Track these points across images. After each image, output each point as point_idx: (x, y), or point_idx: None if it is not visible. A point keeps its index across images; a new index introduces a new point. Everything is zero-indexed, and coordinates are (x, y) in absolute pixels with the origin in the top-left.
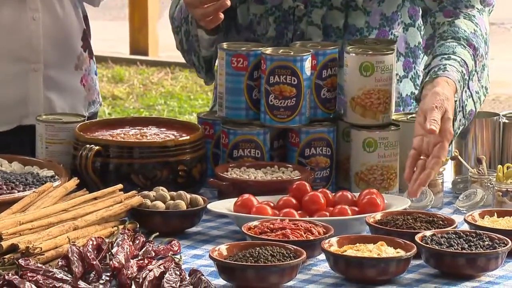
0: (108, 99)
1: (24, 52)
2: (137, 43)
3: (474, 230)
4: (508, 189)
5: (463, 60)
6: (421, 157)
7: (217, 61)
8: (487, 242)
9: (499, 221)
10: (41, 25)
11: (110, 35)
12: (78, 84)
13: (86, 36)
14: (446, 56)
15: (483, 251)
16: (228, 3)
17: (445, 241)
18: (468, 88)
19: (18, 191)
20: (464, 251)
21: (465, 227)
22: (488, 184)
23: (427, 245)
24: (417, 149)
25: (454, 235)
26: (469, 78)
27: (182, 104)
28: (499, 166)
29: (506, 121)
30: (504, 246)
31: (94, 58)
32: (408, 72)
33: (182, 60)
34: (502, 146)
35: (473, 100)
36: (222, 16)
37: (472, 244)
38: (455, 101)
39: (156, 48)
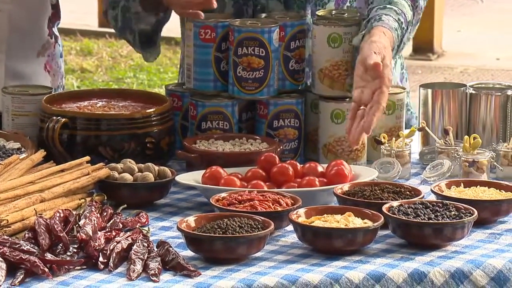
0: (77, 72)
1: None
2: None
3: (440, 201)
4: (475, 160)
5: (400, 10)
6: (361, 107)
7: (184, 33)
8: (453, 212)
9: (466, 191)
10: (7, 16)
11: (78, 7)
12: (42, 71)
13: (54, 20)
14: (381, 6)
15: (449, 221)
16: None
17: (412, 211)
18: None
19: None
20: (430, 221)
21: (432, 197)
22: (455, 154)
23: (394, 216)
24: (357, 101)
25: (420, 206)
26: (407, 28)
27: (152, 77)
28: (466, 136)
29: (473, 92)
30: (470, 216)
31: (59, 41)
32: None
33: None
34: (468, 117)
35: (397, 50)
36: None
37: (438, 214)
38: (392, 49)
39: None
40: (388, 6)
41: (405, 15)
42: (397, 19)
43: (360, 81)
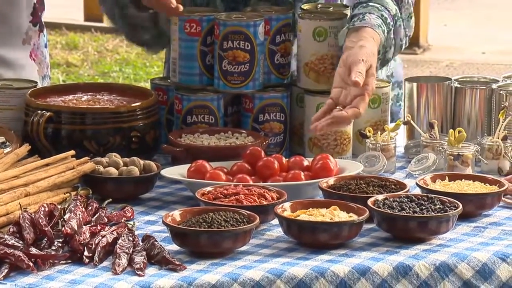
0: (62, 66)
1: None
2: (91, 10)
3: (425, 194)
4: (460, 153)
5: (383, 6)
6: (338, 107)
7: (170, 27)
8: (438, 206)
9: (450, 185)
10: None
11: (64, 1)
12: (28, 59)
13: (36, 10)
14: (364, 4)
15: (434, 215)
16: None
17: (397, 205)
18: (394, 34)
19: None
20: (415, 214)
21: (417, 191)
22: (440, 148)
23: (379, 209)
24: (334, 99)
25: (406, 199)
26: (394, 22)
27: (138, 71)
28: (451, 130)
29: (458, 85)
30: (454, 210)
31: (45, 31)
32: None
33: None
34: (454, 111)
35: (394, 48)
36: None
37: (423, 207)
38: (378, 51)
39: None
40: (370, 4)
41: (388, 10)
42: (380, 16)
43: (340, 81)
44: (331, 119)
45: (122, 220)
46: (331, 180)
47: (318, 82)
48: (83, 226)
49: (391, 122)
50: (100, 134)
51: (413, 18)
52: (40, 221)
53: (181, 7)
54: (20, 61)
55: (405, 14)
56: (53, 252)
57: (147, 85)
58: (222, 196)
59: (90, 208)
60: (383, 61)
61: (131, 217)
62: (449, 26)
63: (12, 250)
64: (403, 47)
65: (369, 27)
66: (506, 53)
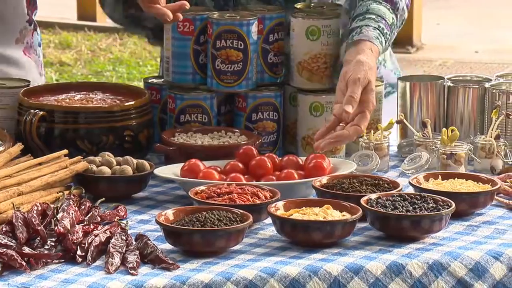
0: (56, 65)
1: None
2: (84, 9)
3: (418, 193)
4: (452, 152)
5: (379, 16)
6: (341, 124)
7: (164, 26)
8: (431, 205)
9: (443, 184)
10: None
11: (57, 0)
12: (23, 56)
13: (31, 9)
14: (361, 17)
15: (427, 214)
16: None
17: (390, 204)
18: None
19: None
20: (408, 213)
21: (410, 190)
22: (433, 147)
23: (372, 208)
24: (338, 116)
25: (399, 198)
26: (391, 31)
27: (131, 71)
28: (444, 129)
29: (451, 84)
30: (447, 208)
31: (38, 30)
32: None
33: None
34: (446, 110)
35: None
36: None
37: (416, 206)
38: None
39: (104, 13)
40: (366, 16)
41: (385, 20)
42: (377, 27)
43: (341, 96)
44: (334, 139)
45: (115, 219)
46: (324, 179)
47: (311, 81)
48: (76, 225)
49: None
50: (93, 133)
51: (404, 23)
52: (33, 220)
53: (180, 17)
54: (17, 59)
55: (399, 21)
56: (46, 252)
57: (141, 84)
58: (215, 195)
59: (83, 207)
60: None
61: (124, 216)
62: (442, 25)
63: (4, 250)
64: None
65: (367, 40)
66: (499, 52)
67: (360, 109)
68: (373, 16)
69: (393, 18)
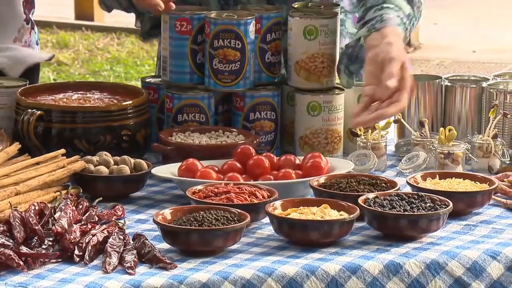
0: (53, 65)
1: None
2: (82, 8)
3: (416, 192)
4: (450, 152)
5: (397, 6)
6: (376, 102)
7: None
8: (428, 204)
9: (441, 183)
10: None
11: None
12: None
13: (28, 7)
14: (378, 6)
15: (425, 213)
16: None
17: (388, 203)
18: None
19: None
20: (406, 213)
21: (408, 189)
22: (431, 146)
23: (370, 208)
24: (370, 96)
25: (396, 197)
26: (409, 22)
27: (129, 70)
28: (441, 128)
29: (448, 84)
30: (445, 208)
31: (36, 28)
32: None
33: (128, 25)
34: (444, 109)
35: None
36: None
37: (414, 206)
38: None
39: (101, 13)
40: (384, 6)
41: (402, 11)
42: (397, 16)
43: (371, 79)
44: (374, 116)
45: (113, 219)
46: (322, 179)
47: (308, 80)
48: (74, 225)
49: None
50: (90, 132)
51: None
52: (31, 219)
53: (172, 5)
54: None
55: (417, 13)
56: (43, 251)
57: (138, 84)
58: (213, 194)
59: (80, 207)
60: None
61: (122, 215)
62: (440, 24)
63: (2, 249)
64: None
65: (391, 26)
66: (497, 51)
67: (398, 87)
68: (392, 6)
69: (410, 9)
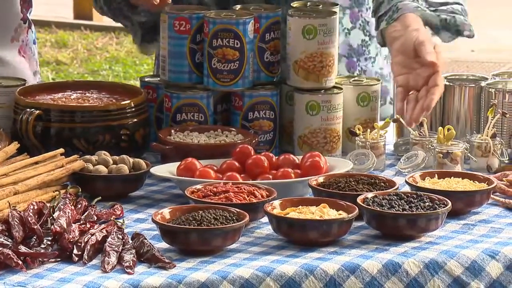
0: (52, 64)
1: None
2: (81, 7)
3: (414, 192)
4: (449, 151)
5: None
6: (411, 93)
7: (159, 24)
8: (427, 203)
9: (440, 183)
10: None
11: None
12: (17, 56)
13: (26, 7)
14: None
15: (424, 212)
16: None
17: (387, 202)
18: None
19: None
20: (404, 212)
21: (406, 188)
22: (429, 146)
23: (369, 207)
24: (404, 86)
25: (395, 197)
26: (428, 6)
27: (127, 70)
28: (440, 128)
29: (447, 83)
30: (444, 207)
31: (33, 27)
32: (356, 22)
33: None
34: (443, 108)
35: (448, 16)
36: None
37: (412, 205)
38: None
39: None
40: None
41: None
42: (411, 0)
43: (402, 69)
44: (419, 109)
45: (112, 218)
46: (320, 178)
47: (307, 80)
48: (73, 224)
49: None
50: (89, 132)
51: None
52: (29, 219)
53: (169, 0)
54: (10, 59)
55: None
56: (42, 250)
57: (137, 83)
58: (211, 194)
59: (79, 206)
60: (446, 26)
61: (121, 215)
62: None
63: (1, 249)
64: (465, 10)
65: (409, 13)
66: (496, 51)
67: (432, 71)
68: None
69: None
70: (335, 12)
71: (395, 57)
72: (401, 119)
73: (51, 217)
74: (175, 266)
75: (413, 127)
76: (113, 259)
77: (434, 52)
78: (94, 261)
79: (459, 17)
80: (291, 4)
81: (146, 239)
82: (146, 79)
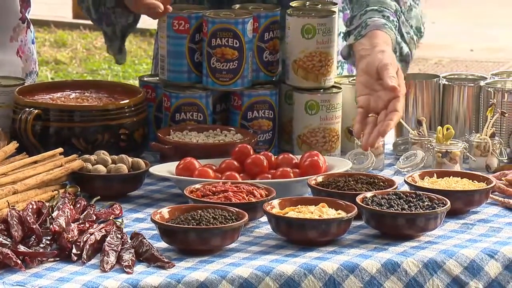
0: (51, 64)
1: None
2: (80, 7)
3: (414, 191)
4: (448, 150)
5: (382, 6)
6: (370, 115)
7: (157, 24)
8: (426, 203)
9: (439, 182)
10: None
11: None
12: (14, 56)
13: (24, 6)
14: (362, 11)
15: (423, 212)
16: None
17: (386, 202)
18: (399, 31)
19: None
20: (404, 211)
21: (405, 188)
22: (428, 145)
23: (368, 206)
24: (365, 107)
25: (394, 196)
26: (397, 18)
27: (126, 69)
28: (439, 127)
29: (446, 82)
30: (443, 206)
31: (32, 27)
32: None
33: None
34: (442, 108)
35: (405, 42)
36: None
37: (412, 204)
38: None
39: None
40: (368, 9)
41: (388, 8)
42: (381, 16)
43: (364, 89)
44: (376, 135)
45: (111, 218)
46: (319, 178)
47: (306, 79)
48: (71, 224)
49: None
50: (88, 131)
51: (415, 8)
52: (28, 218)
53: (170, 8)
54: (7, 59)
55: (404, 8)
56: (41, 250)
57: (136, 83)
58: (210, 193)
59: (78, 205)
60: (402, 58)
61: (120, 214)
62: (437, 23)
63: (0, 248)
64: (415, 38)
65: (376, 30)
66: (494, 50)
67: (392, 95)
68: (375, 7)
69: (395, 5)
70: (334, 12)
71: (359, 76)
72: (400, 119)
73: (50, 217)
74: (174, 265)
75: (372, 148)
76: (112, 258)
77: (395, 77)
78: (93, 261)
79: (405, 47)
80: (290, 4)
81: (145, 238)
82: (145, 79)
